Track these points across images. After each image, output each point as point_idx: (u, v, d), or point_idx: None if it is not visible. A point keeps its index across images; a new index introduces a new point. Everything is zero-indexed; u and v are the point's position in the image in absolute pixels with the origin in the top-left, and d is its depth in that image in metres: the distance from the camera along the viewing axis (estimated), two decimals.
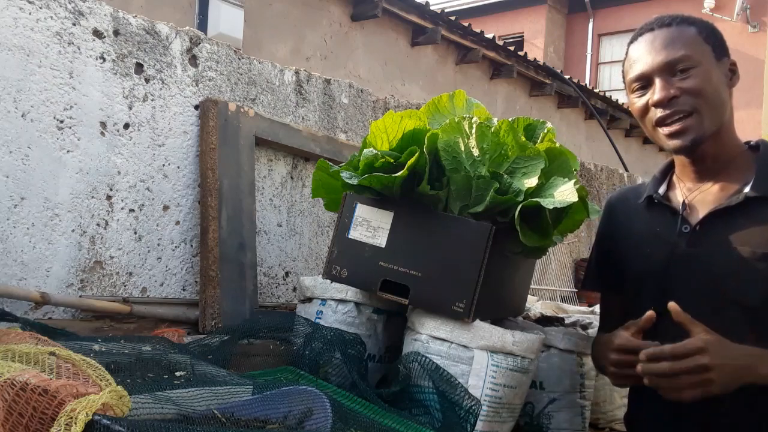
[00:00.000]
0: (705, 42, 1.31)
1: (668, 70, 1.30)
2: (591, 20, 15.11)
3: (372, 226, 1.47)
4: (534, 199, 1.37)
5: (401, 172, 1.39)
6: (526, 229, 1.40)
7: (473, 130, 1.41)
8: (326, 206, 1.72)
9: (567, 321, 1.85)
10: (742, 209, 1.29)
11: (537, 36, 14.61)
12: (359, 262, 1.47)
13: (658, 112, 1.31)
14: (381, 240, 1.46)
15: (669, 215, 1.39)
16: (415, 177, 1.44)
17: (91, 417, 0.79)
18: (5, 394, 0.81)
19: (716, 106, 1.30)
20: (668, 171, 1.47)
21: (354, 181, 1.45)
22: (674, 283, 1.35)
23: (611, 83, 15.18)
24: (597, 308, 2.27)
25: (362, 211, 1.49)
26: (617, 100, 10.18)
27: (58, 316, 1.73)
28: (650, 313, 1.27)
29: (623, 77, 1.41)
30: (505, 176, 1.42)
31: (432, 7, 7.47)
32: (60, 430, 0.77)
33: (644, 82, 1.33)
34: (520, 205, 1.37)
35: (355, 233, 1.48)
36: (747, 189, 1.29)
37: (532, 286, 3.88)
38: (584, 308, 2.37)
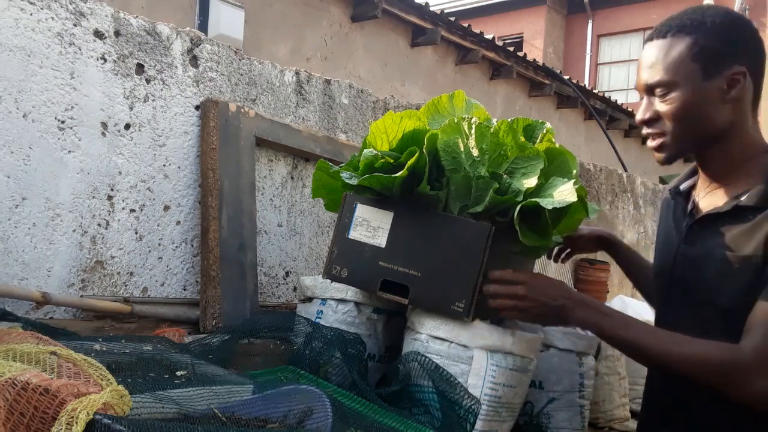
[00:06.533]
0: (693, 60, 1.27)
1: (649, 91, 1.32)
2: (590, 21, 15.12)
3: (372, 226, 1.48)
4: (533, 200, 1.37)
5: (401, 172, 1.40)
6: (525, 229, 1.40)
7: (473, 131, 1.42)
8: (326, 206, 1.73)
9: None
10: (733, 214, 1.29)
11: (536, 37, 14.62)
12: (359, 262, 1.48)
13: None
14: (381, 240, 1.46)
15: (682, 211, 1.43)
16: (415, 177, 1.44)
17: (92, 416, 0.79)
18: (6, 393, 0.81)
19: (693, 128, 1.30)
20: (697, 169, 1.48)
21: (354, 182, 1.45)
22: (675, 277, 1.40)
23: (610, 84, 15.18)
24: None
25: (362, 211, 1.49)
26: (616, 100, 10.19)
27: (59, 315, 1.73)
28: None
29: None
30: (505, 176, 1.43)
31: (432, 8, 7.48)
32: (61, 429, 0.77)
33: (640, 96, 1.37)
34: (520, 205, 1.37)
35: (355, 233, 1.49)
36: (744, 198, 1.29)
37: None
38: None
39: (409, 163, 1.39)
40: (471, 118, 1.43)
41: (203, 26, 5.80)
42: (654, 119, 1.32)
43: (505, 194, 1.41)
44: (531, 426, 1.61)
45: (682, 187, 1.46)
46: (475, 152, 1.42)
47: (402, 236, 1.45)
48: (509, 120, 1.48)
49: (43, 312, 1.69)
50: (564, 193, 1.38)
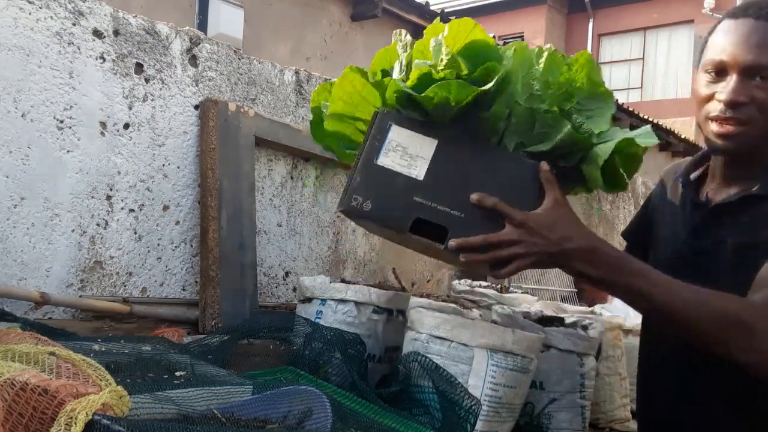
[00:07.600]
0: None
1: (750, 72, 1.22)
2: (591, 20, 15.14)
3: (409, 153, 1.24)
4: (629, 136, 1.20)
5: (489, 85, 1.16)
6: (597, 175, 1.23)
7: (541, 60, 1.25)
8: (340, 156, 1.44)
9: (567, 321, 1.85)
10: (745, 205, 1.28)
11: (537, 36, 14.62)
12: (388, 195, 1.22)
13: (719, 108, 1.24)
14: (419, 171, 1.23)
15: (692, 204, 1.39)
16: (477, 102, 1.22)
17: (91, 417, 0.79)
18: (5, 394, 0.80)
19: None
20: (706, 158, 1.43)
21: (408, 90, 1.19)
22: (681, 270, 1.35)
23: (611, 83, 15.19)
24: (597, 308, 2.27)
25: (398, 134, 1.24)
26: (617, 100, 10.18)
27: (58, 316, 1.73)
28: None
29: (702, 46, 1.32)
30: (574, 115, 1.25)
31: (432, 7, 7.49)
32: (60, 429, 0.77)
33: (720, 70, 1.25)
34: (614, 145, 1.19)
35: (386, 160, 1.24)
36: (755, 188, 1.27)
37: (531, 287, 3.87)
38: (584, 308, 2.36)
39: (498, 77, 1.16)
40: (545, 46, 1.27)
41: (203, 25, 5.80)
42: (745, 104, 1.22)
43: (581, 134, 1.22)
44: (532, 426, 1.61)
45: (692, 176, 1.42)
46: (537, 85, 1.23)
47: (445, 169, 1.22)
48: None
49: (42, 312, 1.69)
50: (647, 135, 1.23)
